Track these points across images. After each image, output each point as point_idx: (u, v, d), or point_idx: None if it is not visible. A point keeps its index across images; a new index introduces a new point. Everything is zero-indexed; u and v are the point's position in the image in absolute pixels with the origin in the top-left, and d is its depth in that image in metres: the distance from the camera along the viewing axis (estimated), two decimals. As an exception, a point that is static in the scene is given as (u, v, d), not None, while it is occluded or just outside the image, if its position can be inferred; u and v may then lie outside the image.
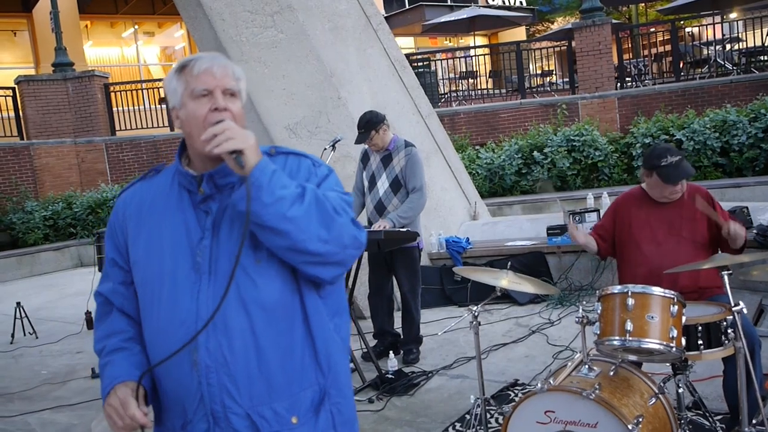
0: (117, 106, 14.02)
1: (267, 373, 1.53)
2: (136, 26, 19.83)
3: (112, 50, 19.75)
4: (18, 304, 6.62)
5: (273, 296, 1.54)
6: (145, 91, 14.93)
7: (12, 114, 13.14)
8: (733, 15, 14.18)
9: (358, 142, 4.71)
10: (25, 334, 6.55)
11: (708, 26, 14.11)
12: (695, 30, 16.62)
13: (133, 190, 1.71)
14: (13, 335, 6.47)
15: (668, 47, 13.90)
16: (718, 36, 13.39)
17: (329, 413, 1.61)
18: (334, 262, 1.55)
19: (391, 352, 4.60)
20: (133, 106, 14.19)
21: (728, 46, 13.32)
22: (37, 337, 6.51)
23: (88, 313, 6.70)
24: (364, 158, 4.87)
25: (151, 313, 1.60)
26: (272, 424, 1.54)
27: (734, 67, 12.72)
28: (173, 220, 1.59)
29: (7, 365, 5.70)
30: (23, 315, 6.59)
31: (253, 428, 1.53)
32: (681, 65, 13.45)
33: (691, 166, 3.15)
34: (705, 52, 14.01)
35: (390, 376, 4.33)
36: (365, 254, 4.91)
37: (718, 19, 13.43)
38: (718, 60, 13.05)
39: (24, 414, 4.42)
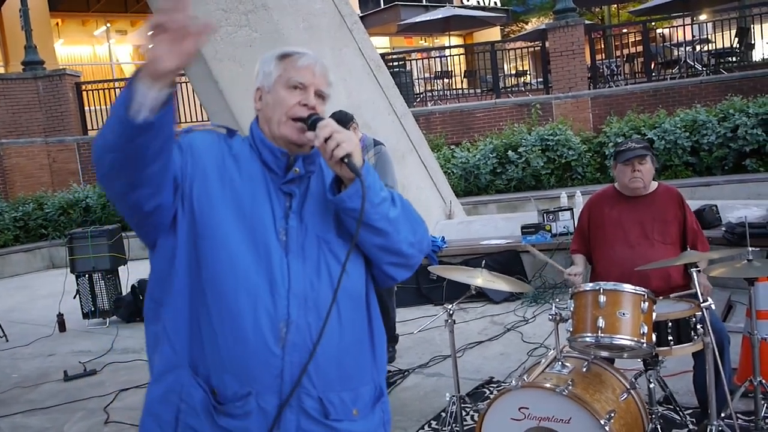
0: (89, 105, 13.82)
1: (343, 362, 1.54)
2: (108, 24, 19.59)
3: (83, 48, 19.49)
4: (-13, 306, 6.51)
5: (358, 286, 1.59)
6: (117, 90, 14.68)
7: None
8: (702, 17, 14.42)
9: None
10: (-5, 337, 6.44)
11: (678, 27, 14.34)
12: (666, 31, 16.87)
13: (212, 138, 1.59)
14: (-18, 338, 6.36)
15: (640, 48, 14.10)
16: (689, 37, 13.61)
17: (381, 411, 1.62)
18: (412, 264, 1.63)
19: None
20: (106, 105, 13.98)
21: (698, 48, 13.55)
22: (7, 340, 6.38)
23: (60, 315, 6.60)
24: None
25: (224, 263, 1.47)
26: (339, 412, 1.53)
27: (704, 68, 12.95)
28: (257, 188, 1.54)
29: (-24, 369, 5.60)
30: (-7, 318, 6.48)
31: (323, 412, 1.51)
32: (652, 66, 13.65)
33: (646, 152, 3.22)
34: (675, 53, 14.23)
35: (366, 375, 4.34)
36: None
37: (688, 20, 13.67)
38: (689, 61, 13.27)
39: (-6, 418, 4.35)
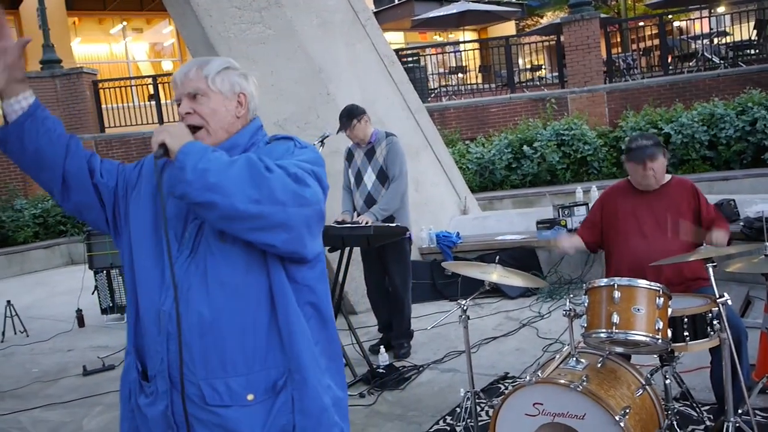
0: (106, 103, 13.94)
1: (222, 349, 1.59)
2: (125, 23, 19.71)
3: (100, 47, 19.61)
4: (8, 302, 6.60)
5: (236, 275, 1.60)
6: (134, 88, 14.86)
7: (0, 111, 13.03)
8: (720, 9, 14.25)
9: (339, 130, 4.76)
10: (15, 333, 6.53)
11: (696, 20, 14.17)
12: (683, 24, 16.68)
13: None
14: (3, 333, 6.46)
15: (656, 41, 13.96)
16: (706, 30, 13.46)
17: (290, 397, 1.63)
18: (276, 224, 1.53)
19: (382, 346, 4.62)
20: (122, 103, 14.12)
21: (716, 40, 13.39)
22: (27, 336, 6.49)
23: (78, 311, 6.69)
24: (349, 156, 4.92)
25: (137, 262, 1.72)
26: (224, 398, 1.59)
27: (722, 61, 12.79)
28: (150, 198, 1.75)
29: (-3, 364, 5.69)
30: (13, 313, 6.56)
31: (202, 398, 1.60)
32: (669, 59, 13.51)
33: (657, 150, 3.18)
34: (693, 46, 14.07)
35: (381, 370, 4.35)
36: (357, 251, 4.92)
37: (705, 13, 13.51)
38: (706, 54, 13.12)
39: (15, 412, 4.42)
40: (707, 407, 3.25)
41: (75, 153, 1.76)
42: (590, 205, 6.03)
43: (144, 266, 1.69)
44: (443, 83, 15.51)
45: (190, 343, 1.58)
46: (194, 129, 1.70)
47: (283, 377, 1.63)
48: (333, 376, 1.75)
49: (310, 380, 1.64)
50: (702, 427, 3.12)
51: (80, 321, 6.69)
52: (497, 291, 5.95)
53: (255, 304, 1.61)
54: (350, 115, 4.66)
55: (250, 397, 1.60)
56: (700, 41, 13.45)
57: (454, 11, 17.27)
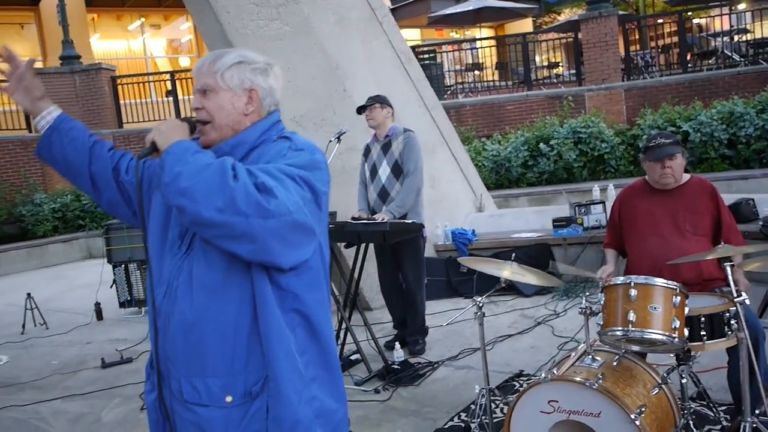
0: (124, 99, 14.07)
1: (201, 349, 1.61)
2: (143, 19, 19.85)
3: (118, 43, 19.77)
4: (28, 294, 6.69)
5: (216, 277, 1.60)
6: (151, 84, 14.97)
7: (20, 107, 13.17)
8: (741, 6, 14.08)
9: (359, 110, 4.81)
10: (35, 325, 6.62)
11: (716, 17, 14.02)
12: (703, 21, 16.51)
13: None
14: (23, 326, 6.55)
15: (675, 39, 13.82)
16: (726, 27, 13.30)
17: (265, 404, 1.60)
18: (239, 234, 1.49)
19: (397, 343, 4.64)
20: (140, 99, 14.24)
21: (736, 38, 13.23)
22: (47, 328, 6.58)
23: (97, 304, 6.77)
24: (366, 152, 4.95)
25: (150, 259, 1.76)
26: (203, 397, 1.61)
27: (742, 59, 12.65)
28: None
29: (18, 355, 5.77)
30: (33, 306, 6.66)
31: (181, 394, 1.63)
32: (688, 57, 13.38)
33: (675, 149, 3.16)
34: (713, 43, 13.93)
35: (396, 366, 4.37)
36: (371, 249, 4.94)
37: (726, 10, 13.35)
38: (726, 51, 12.98)
39: (36, 403, 4.49)
40: (724, 407, 3.23)
41: (99, 157, 1.87)
42: (607, 204, 6.02)
43: (153, 257, 1.74)
44: (459, 80, 15.47)
45: (174, 340, 1.62)
46: (204, 123, 1.72)
47: (259, 383, 1.61)
48: (324, 387, 1.69)
49: (284, 389, 1.60)
50: (718, 427, 3.10)
51: (99, 314, 6.77)
52: (512, 289, 5.94)
53: (236, 307, 1.60)
54: (375, 99, 4.74)
55: (228, 399, 1.60)
56: (720, 38, 13.30)
57: (471, 8, 17.18)
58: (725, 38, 13.14)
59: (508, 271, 3.04)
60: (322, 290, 1.72)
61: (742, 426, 2.63)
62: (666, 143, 3.18)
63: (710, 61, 13.16)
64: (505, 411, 3.50)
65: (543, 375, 2.61)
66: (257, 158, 1.69)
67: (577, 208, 6.23)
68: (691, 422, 2.75)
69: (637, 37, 15.61)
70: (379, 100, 4.74)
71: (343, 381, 1.79)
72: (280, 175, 1.55)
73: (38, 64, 13.11)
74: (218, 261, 1.59)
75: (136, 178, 1.70)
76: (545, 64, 15.69)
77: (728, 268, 2.63)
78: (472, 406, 3.42)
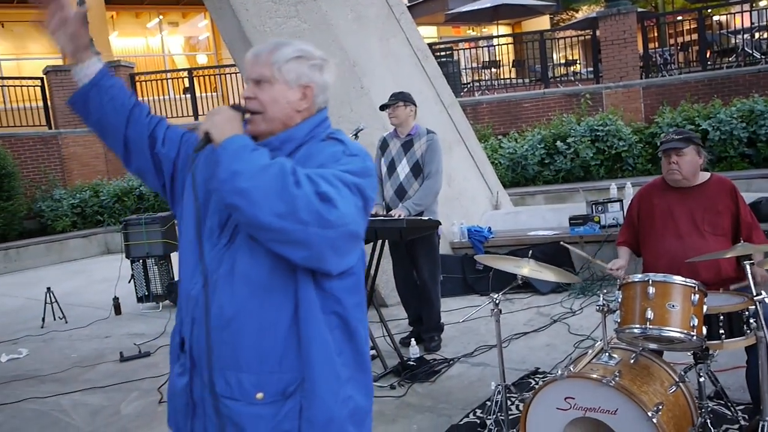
0: (143, 96, 14.17)
1: (237, 343, 1.58)
2: (161, 16, 20.00)
3: (137, 40, 19.94)
4: (48, 289, 6.78)
5: (261, 273, 1.57)
6: (169, 81, 15.08)
7: (41, 104, 13.37)
8: (762, 3, 13.92)
9: (382, 107, 4.81)
10: (55, 319, 6.71)
11: (736, 14, 13.85)
12: (723, 18, 16.31)
13: None
14: (43, 319, 6.63)
15: (695, 36, 13.69)
16: (747, 24, 13.15)
17: (298, 404, 1.59)
18: (296, 241, 1.47)
19: (412, 339, 4.65)
20: (158, 96, 14.36)
21: (757, 35, 13.08)
22: (66, 322, 6.66)
23: (115, 299, 6.85)
24: (383, 146, 4.91)
25: (181, 243, 1.75)
26: (234, 391, 1.58)
27: (762, 56, 12.50)
28: None
29: (38, 348, 5.86)
30: (53, 300, 6.74)
31: (211, 387, 1.58)
32: (708, 54, 13.24)
33: (684, 144, 3.15)
34: (733, 40, 13.77)
35: (412, 362, 4.38)
36: (387, 245, 4.95)
37: (746, 7, 13.19)
38: (746, 49, 12.83)
39: (56, 395, 4.55)
40: (742, 407, 3.21)
41: (137, 121, 1.79)
42: (624, 202, 5.99)
43: (185, 243, 1.70)
44: (476, 78, 15.43)
45: (210, 331, 1.58)
46: (253, 113, 1.68)
47: (295, 384, 1.59)
48: (357, 386, 1.69)
49: (319, 390, 1.59)
50: (736, 426, 3.08)
51: (117, 309, 6.85)
52: (528, 286, 5.93)
53: (277, 305, 1.58)
54: (400, 97, 4.72)
55: (259, 395, 1.57)
56: (740, 36, 13.15)
57: (488, 5, 17.12)
58: (746, 35, 12.99)
59: (527, 268, 3.04)
60: (361, 293, 1.72)
61: (760, 425, 2.61)
62: (675, 138, 3.17)
63: (730, 59, 13.01)
64: (520, 408, 3.50)
65: (559, 372, 2.61)
66: (305, 155, 1.65)
67: (594, 206, 6.20)
68: (708, 421, 2.74)
69: (656, 34, 15.48)
70: (403, 98, 4.72)
71: (372, 378, 1.79)
72: (337, 183, 1.52)
73: (58, 62, 13.26)
74: (264, 258, 1.56)
75: (192, 173, 1.64)
76: (563, 61, 15.60)
77: (747, 266, 2.62)
78: (488, 403, 3.42)
